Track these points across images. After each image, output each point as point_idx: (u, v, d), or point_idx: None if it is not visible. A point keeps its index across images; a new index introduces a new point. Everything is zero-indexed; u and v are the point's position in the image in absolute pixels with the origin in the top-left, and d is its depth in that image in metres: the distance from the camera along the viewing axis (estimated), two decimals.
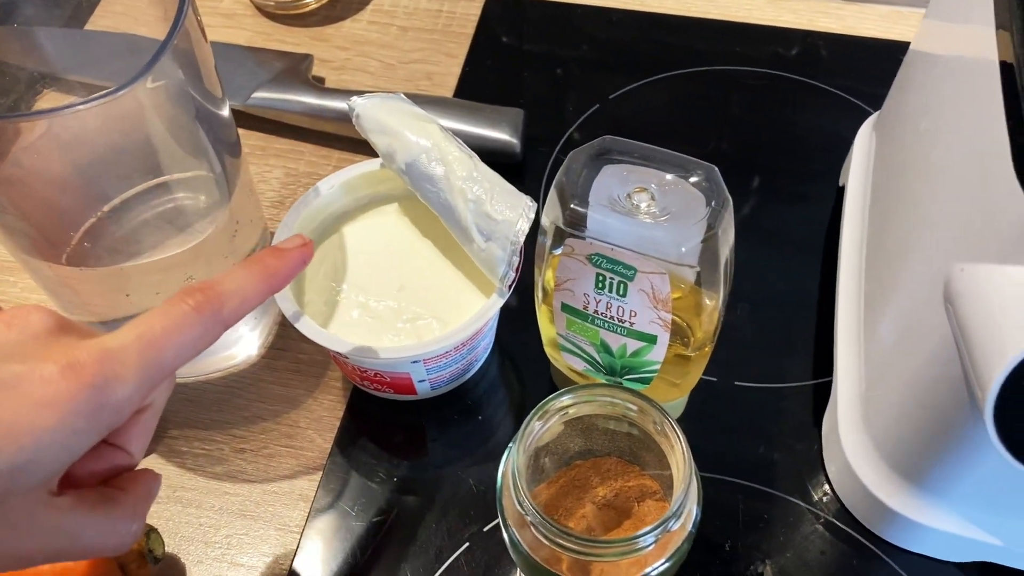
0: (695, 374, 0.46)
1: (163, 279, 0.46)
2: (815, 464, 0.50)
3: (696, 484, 0.40)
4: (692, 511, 0.40)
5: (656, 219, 0.39)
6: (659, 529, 0.37)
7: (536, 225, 0.43)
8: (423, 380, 0.48)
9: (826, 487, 0.49)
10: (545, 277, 0.43)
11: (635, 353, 0.44)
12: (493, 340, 0.53)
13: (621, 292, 0.41)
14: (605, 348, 0.44)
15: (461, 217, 0.44)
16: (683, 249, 0.38)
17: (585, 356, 0.46)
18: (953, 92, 0.41)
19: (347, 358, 0.46)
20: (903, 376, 0.42)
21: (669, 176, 0.40)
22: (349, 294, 0.48)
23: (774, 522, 0.48)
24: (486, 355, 0.52)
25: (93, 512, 0.32)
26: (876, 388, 0.46)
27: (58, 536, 0.31)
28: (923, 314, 0.40)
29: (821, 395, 0.52)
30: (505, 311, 0.49)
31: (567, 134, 0.64)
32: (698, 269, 0.39)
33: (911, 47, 0.52)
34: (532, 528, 0.38)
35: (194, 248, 0.46)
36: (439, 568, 0.47)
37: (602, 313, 0.42)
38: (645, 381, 0.45)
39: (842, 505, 0.48)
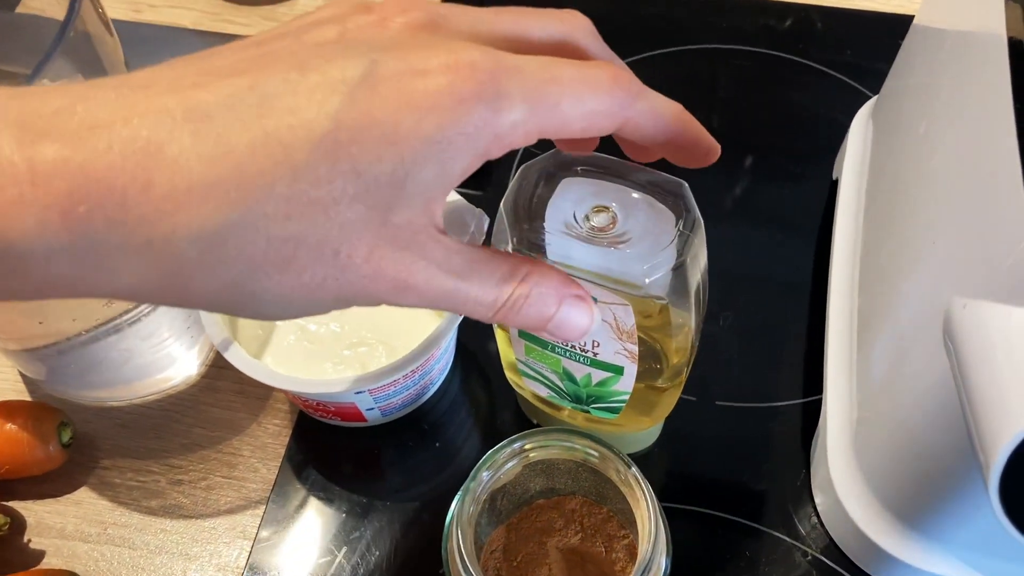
0: (668, 404, 0.42)
1: (79, 304, 0.42)
2: (802, 493, 0.45)
3: (664, 535, 0.36)
4: (661, 567, 0.36)
5: (618, 244, 0.34)
6: None
7: (488, 241, 0.39)
8: (371, 408, 0.44)
9: (814, 519, 0.45)
10: None
11: (601, 383, 0.39)
12: (452, 358, 0.49)
13: None
14: (568, 376, 0.40)
15: None
16: (647, 280, 0.34)
17: (548, 383, 0.41)
18: (958, 81, 0.36)
19: None
20: (897, 410, 0.38)
21: (635, 193, 0.35)
22: None
23: (757, 559, 0.44)
24: (444, 375, 0.48)
25: (480, 261, 0.26)
26: (868, 415, 0.41)
27: (443, 276, 0.25)
28: (920, 343, 0.35)
29: (811, 415, 0.47)
30: (468, 321, 0.44)
31: None
32: (666, 301, 0.35)
33: (914, 22, 0.47)
34: None
35: None
36: None
37: (562, 342, 0.38)
38: (614, 411, 0.41)
39: (831, 540, 0.44)
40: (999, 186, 0.29)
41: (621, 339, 0.36)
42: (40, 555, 0.45)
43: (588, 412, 0.42)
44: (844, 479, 0.42)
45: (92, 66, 0.38)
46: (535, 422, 0.48)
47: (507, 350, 0.42)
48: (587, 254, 0.34)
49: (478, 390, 0.50)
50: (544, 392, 0.42)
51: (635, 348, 0.36)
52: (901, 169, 0.43)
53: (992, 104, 0.31)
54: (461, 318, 0.42)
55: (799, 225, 0.55)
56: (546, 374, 0.41)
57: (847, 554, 0.43)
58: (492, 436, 0.48)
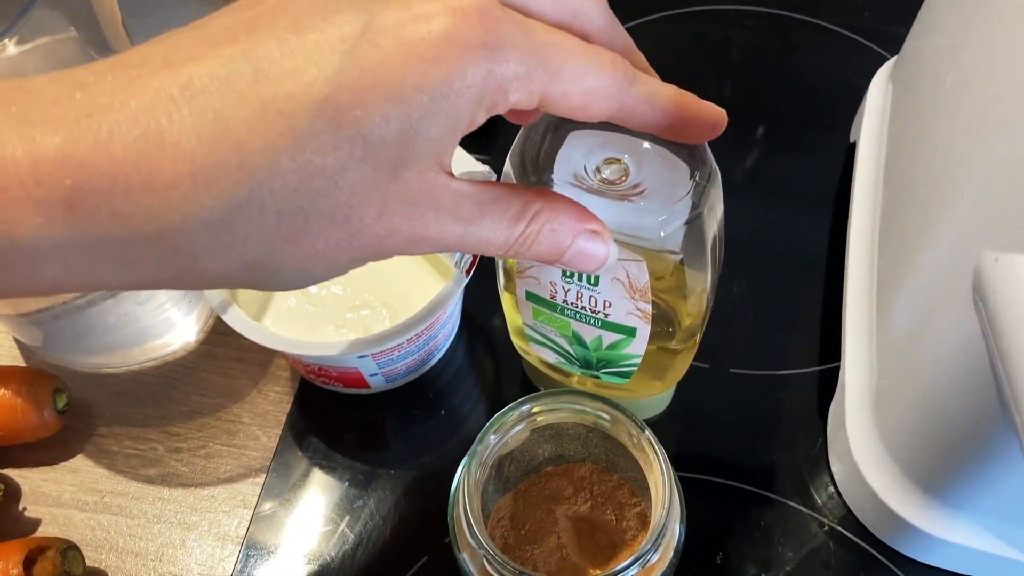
0: (681, 367, 0.40)
1: None
2: (819, 462, 0.44)
3: (679, 502, 0.35)
4: (675, 534, 0.34)
5: (631, 197, 0.32)
6: (636, 564, 0.32)
7: None
8: (375, 374, 0.43)
9: (831, 489, 0.43)
10: (506, 262, 0.37)
11: (612, 346, 0.38)
12: (458, 325, 0.47)
13: (592, 281, 0.35)
14: (578, 340, 0.39)
15: None
16: (662, 234, 0.32)
17: (556, 348, 0.40)
18: (987, 35, 0.35)
19: None
20: (920, 373, 0.36)
21: (646, 144, 0.33)
22: None
23: (772, 530, 0.42)
24: (449, 342, 0.47)
25: (491, 202, 0.26)
26: (889, 381, 0.40)
27: (454, 223, 0.25)
28: (945, 302, 0.34)
29: (827, 383, 0.46)
30: (472, 287, 0.43)
31: None
32: (681, 256, 0.33)
33: None
34: (486, 563, 0.32)
35: None
36: None
37: (572, 303, 0.36)
38: (625, 375, 0.40)
39: (848, 510, 0.43)
40: None
41: (634, 298, 0.35)
42: (36, 523, 0.44)
43: (598, 377, 0.40)
44: (863, 447, 0.41)
45: (85, 23, 0.37)
46: (543, 389, 0.46)
47: (514, 315, 0.40)
48: (598, 207, 0.32)
49: (484, 358, 0.48)
50: (552, 358, 0.41)
51: (648, 308, 0.35)
52: (925, 127, 0.41)
53: None
54: (467, 281, 0.40)
55: (814, 191, 0.53)
56: (554, 338, 0.39)
57: (865, 524, 0.42)
58: (498, 405, 0.46)
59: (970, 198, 0.33)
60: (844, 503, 0.43)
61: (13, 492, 0.44)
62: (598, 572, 0.37)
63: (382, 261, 0.40)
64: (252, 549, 0.43)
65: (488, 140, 0.54)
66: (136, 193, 0.20)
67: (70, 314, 0.44)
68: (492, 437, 0.35)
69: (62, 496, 0.44)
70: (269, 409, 0.47)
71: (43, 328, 0.45)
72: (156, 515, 0.44)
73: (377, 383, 0.44)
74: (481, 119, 0.24)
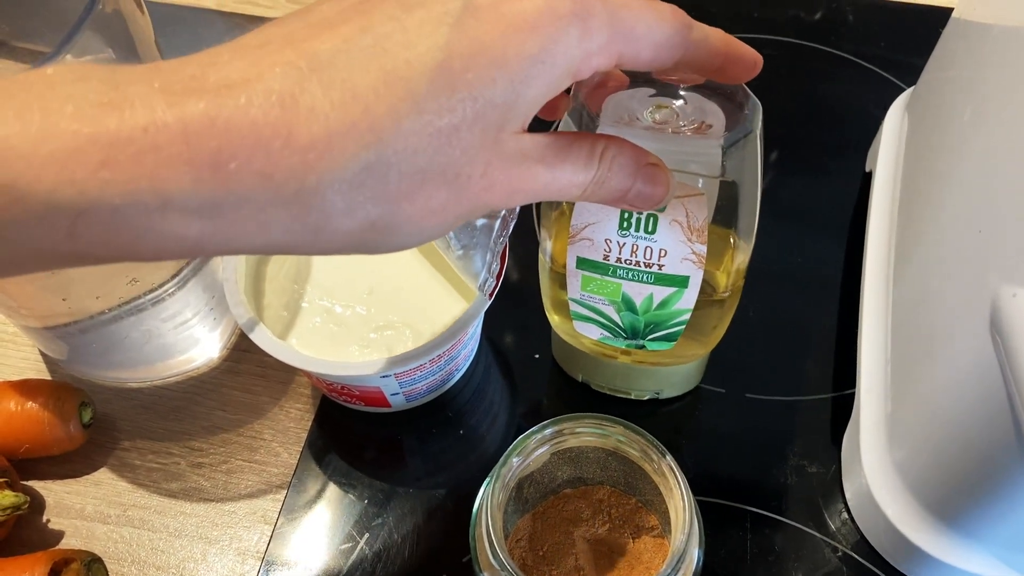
0: (724, 323, 0.41)
1: (103, 281, 0.41)
2: (833, 488, 0.45)
3: (697, 526, 0.35)
4: (694, 559, 0.35)
5: (686, 131, 0.34)
6: None
7: None
8: (396, 393, 0.43)
9: (844, 515, 0.44)
10: (553, 235, 0.38)
11: (663, 303, 0.38)
12: (477, 346, 0.48)
13: (650, 228, 0.35)
14: (627, 304, 0.39)
15: None
16: (724, 155, 0.33)
17: (603, 320, 0.40)
18: (1006, 71, 0.35)
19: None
20: (935, 403, 0.37)
21: (686, 92, 0.35)
22: (312, 298, 0.43)
23: (785, 554, 0.43)
24: (468, 362, 0.47)
25: (566, 147, 0.27)
26: (903, 410, 0.40)
27: (542, 171, 0.26)
28: (961, 334, 0.34)
29: (841, 409, 0.46)
30: (492, 308, 0.43)
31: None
32: (734, 180, 0.34)
33: (953, 15, 0.46)
34: None
35: None
36: None
37: (626, 260, 0.37)
38: (671, 338, 0.40)
39: (862, 536, 0.43)
40: None
41: (691, 240, 0.35)
42: (59, 535, 0.44)
43: (643, 347, 0.40)
44: (877, 474, 0.41)
45: (122, 44, 0.38)
46: (579, 379, 0.47)
47: (557, 294, 0.41)
48: (657, 144, 0.33)
49: (501, 379, 0.49)
50: (596, 334, 0.41)
51: (704, 250, 0.35)
52: (942, 158, 0.42)
53: None
54: (490, 303, 0.41)
55: (829, 219, 0.54)
56: (601, 308, 0.39)
57: (878, 550, 0.42)
58: (516, 425, 0.47)
59: (987, 233, 0.34)
60: (857, 529, 0.43)
61: (37, 504, 0.45)
62: None
63: (407, 277, 0.41)
64: (272, 564, 0.43)
65: None
66: (276, 154, 0.22)
67: (96, 328, 0.45)
68: (515, 459, 0.35)
69: (85, 509, 0.45)
70: (290, 426, 0.47)
71: (68, 342, 0.46)
72: (178, 529, 0.45)
73: (398, 402, 0.45)
74: (568, 83, 0.26)
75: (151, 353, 0.47)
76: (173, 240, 0.23)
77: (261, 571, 0.43)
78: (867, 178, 0.53)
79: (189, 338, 0.48)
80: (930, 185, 0.43)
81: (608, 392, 0.47)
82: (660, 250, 0.36)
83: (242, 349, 0.50)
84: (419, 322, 0.42)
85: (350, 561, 0.43)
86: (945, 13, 0.47)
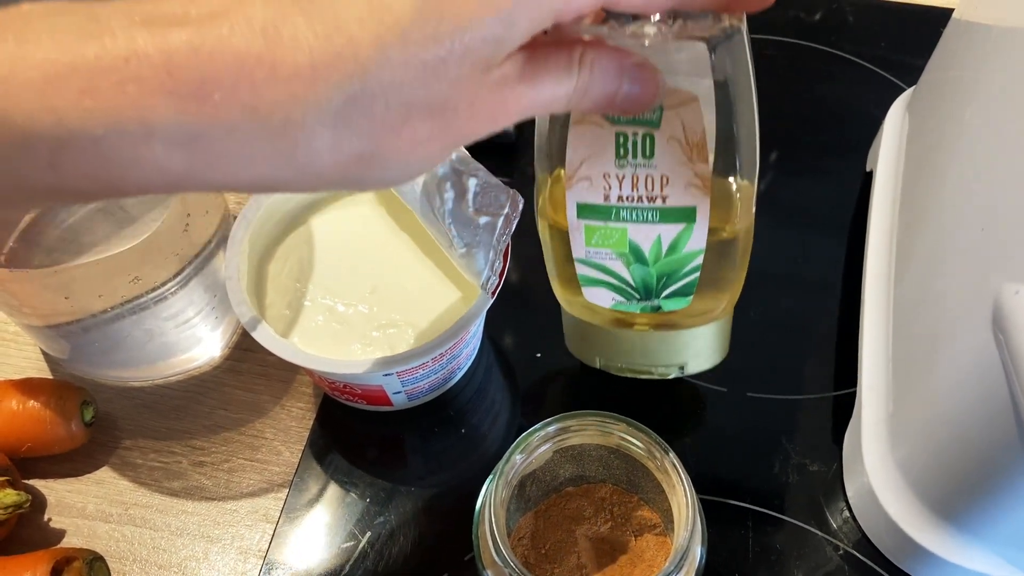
0: (740, 273, 0.39)
1: (106, 280, 0.41)
2: (834, 487, 0.45)
3: (700, 524, 0.35)
4: (697, 556, 0.35)
5: (670, 36, 0.30)
6: None
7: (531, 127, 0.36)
8: (398, 392, 0.43)
9: (846, 513, 0.44)
10: (551, 192, 0.36)
11: (672, 247, 0.37)
12: (479, 344, 0.48)
13: (647, 152, 0.34)
14: (636, 254, 0.37)
15: (438, 219, 0.39)
16: (713, 53, 0.31)
17: (612, 281, 0.39)
18: (1006, 71, 0.36)
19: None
20: (936, 401, 0.37)
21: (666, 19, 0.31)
22: (315, 296, 0.43)
23: (787, 553, 0.43)
24: (470, 361, 0.47)
25: (543, 59, 0.26)
26: (905, 409, 0.40)
27: (524, 89, 0.26)
28: (963, 332, 0.35)
29: (842, 408, 0.47)
30: (494, 307, 0.43)
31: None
32: (726, 79, 0.32)
33: (954, 15, 0.46)
34: None
35: (140, 246, 0.41)
36: None
37: (627, 197, 0.35)
38: (687, 291, 0.38)
39: (863, 535, 0.43)
40: None
41: (692, 159, 0.34)
42: (60, 534, 0.44)
43: (659, 308, 0.39)
44: (879, 472, 0.41)
45: None
46: (597, 365, 0.46)
47: (562, 261, 0.39)
48: (642, 50, 0.30)
49: (502, 378, 0.49)
50: (608, 300, 0.39)
51: (707, 170, 0.34)
52: (943, 158, 0.42)
53: None
54: (492, 301, 0.41)
55: (830, 218, 0.54)
56: (609, 265, 0.38)
57: (880, 549, 0.42)
58: (517, 425, 0.47)
59: (989, 231, 0.34)
60: (859, 528, 0.43)
61: (39, 503, 0.45)
62: None
63: (410, 276, 0.40)
64: (274, 563, 0.43)
65: (511, 162, 0.55)
66: (261, 85, 0.22)
67: (98, 327, 0.45)
68: (518, 457, 0.35)
69: (87, 507, 0.45)
70: (292, 425, 0.47)
71: (70, 341, 0.46)
72: (179, 528, 0.45)
73: (400, 401, 0.45)
74: (549, 23, 0.25)
75: (153, 352, 0.47)
76: (157, 172, 0.22)
77: (263, 570, 0.43)
78: (868, 178, 0.53)
79: (191, 337, 0.48)
80: (931, 184, 0.43)
81: (629, 375, 0.46)
82: (662, 177, 0.34)
83: (244, 348, 0.50)
84: (421, 321, 0.42)
85: (352, 560, 0.43)
86: (945, 13, 0.47)
